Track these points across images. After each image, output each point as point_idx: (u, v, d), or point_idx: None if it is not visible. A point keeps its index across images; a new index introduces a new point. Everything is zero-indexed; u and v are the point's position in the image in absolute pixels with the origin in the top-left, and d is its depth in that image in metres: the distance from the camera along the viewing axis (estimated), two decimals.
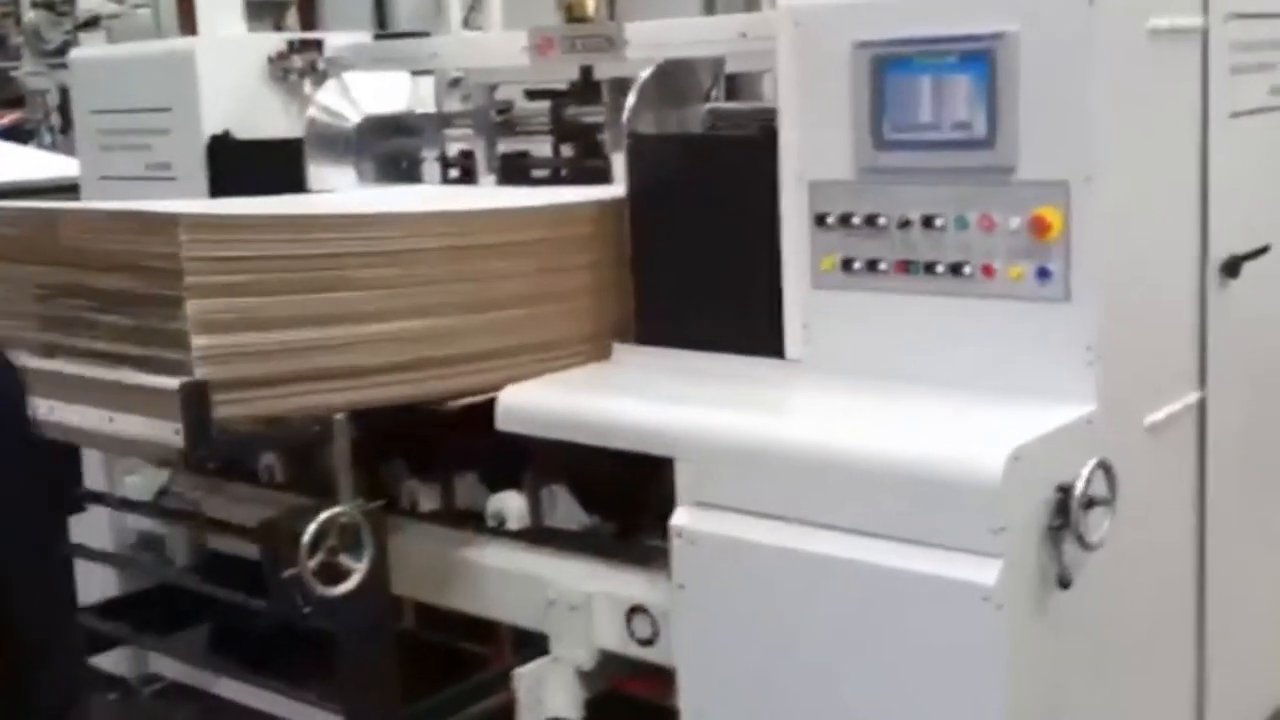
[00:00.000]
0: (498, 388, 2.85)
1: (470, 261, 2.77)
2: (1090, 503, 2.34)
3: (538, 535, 2.95)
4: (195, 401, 2.32)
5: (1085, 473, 2.32)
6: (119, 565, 3.11)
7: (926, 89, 2.57)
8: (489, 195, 3.44)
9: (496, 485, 3.06)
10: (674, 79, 3.20)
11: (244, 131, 3.86)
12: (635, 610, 2.71)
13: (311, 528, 2.39)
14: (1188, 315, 2.77)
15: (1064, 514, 2.31)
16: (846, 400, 2.64)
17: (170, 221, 2.37)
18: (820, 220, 2.73)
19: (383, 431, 3.17)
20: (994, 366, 2.55)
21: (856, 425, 2.47)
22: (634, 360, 3.03)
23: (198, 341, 2.37)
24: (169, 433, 2.34)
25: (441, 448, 3.16)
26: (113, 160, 4.06)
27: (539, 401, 2.82)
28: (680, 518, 2.58)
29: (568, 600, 2.77)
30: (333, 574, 2.45)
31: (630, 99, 3.07)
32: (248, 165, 3.80)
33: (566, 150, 3.72)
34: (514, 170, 3.68)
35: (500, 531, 2.97)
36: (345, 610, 2.49)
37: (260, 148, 3.78)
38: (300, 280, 2.50)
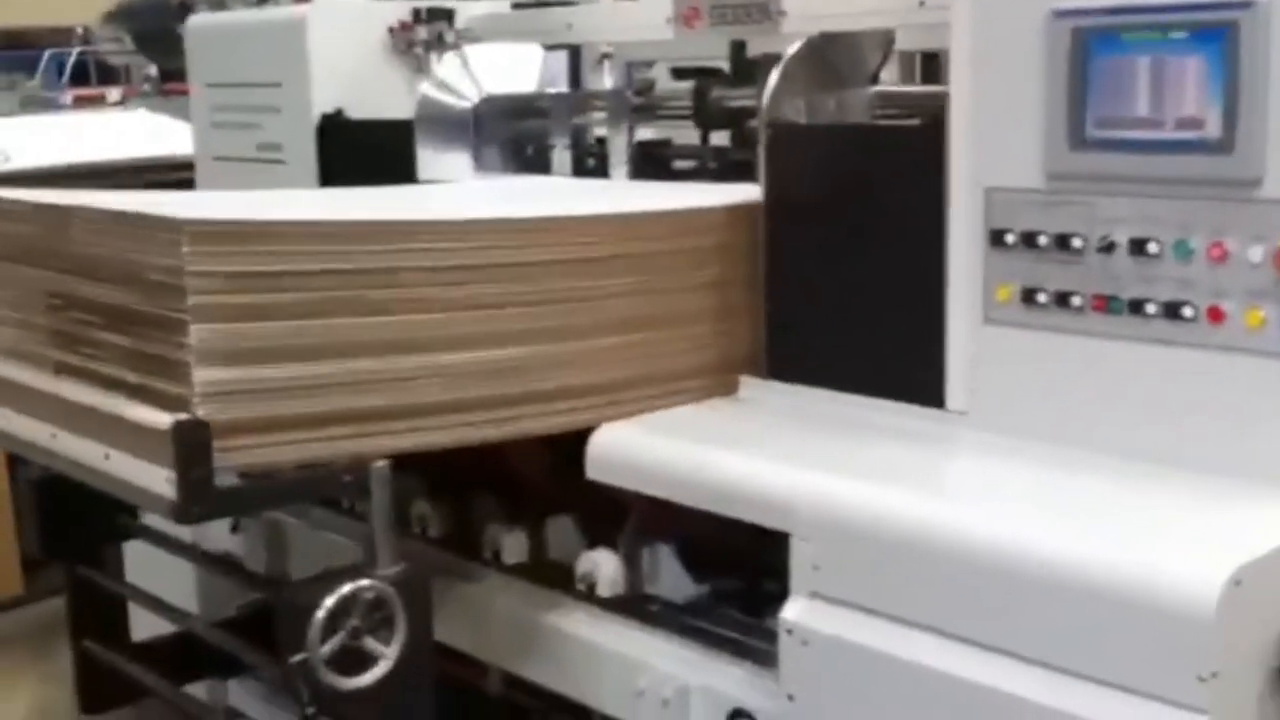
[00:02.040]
0: (595, 428, 2.36)
1: (560, 279, 2.27)
2: None
3: (632, 605, 2.44)
4: (192, 445, 1.87)
5: None
6: (143, 603, 2.73)
7: (1144, 73, 1.95)
8: (607, 192, 2.92)
9: (596, 538, 2.57)
10: (831, 56, 2.65)
11: (362, 111, 3.46)
12: (738, 715, 2.18)
13: (325, 605, 1.93)
14: None
15: None
16: (1016, 475, 2.05)
17: (172, 228, 1.92)
18: (997, 238, 2.14)
19: (467, 465, 2.76)
20: (1219, 444, 1.93)
21: (1026, 515, 1.88)
22: (761, 400, 2.49)
23: (201, 375, 1.93)
24: (160, 481, 1.91)
25: (533, 488, 2.69)
26: (225, 139, 3.72)
27: (634, 448, 2.32)
28: (792, 610, 2.05)
29: (659, 693, 2.26)
30: (358, 660, 1.99)
31: (772, 79, 2.52)
32: (360, 149, 3.40)
33: (718, 140, 3.19)
34: (649, 161, 3.16)
35: (589, 596, 2.48)
36: (368, 706, 2.02)
37: (373, 129, 3.37)
38: (333, 301, 2.03)
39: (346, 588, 1.96)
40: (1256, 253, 1.87)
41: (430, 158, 3.22)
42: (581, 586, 2.50)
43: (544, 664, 2.51)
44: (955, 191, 2.20)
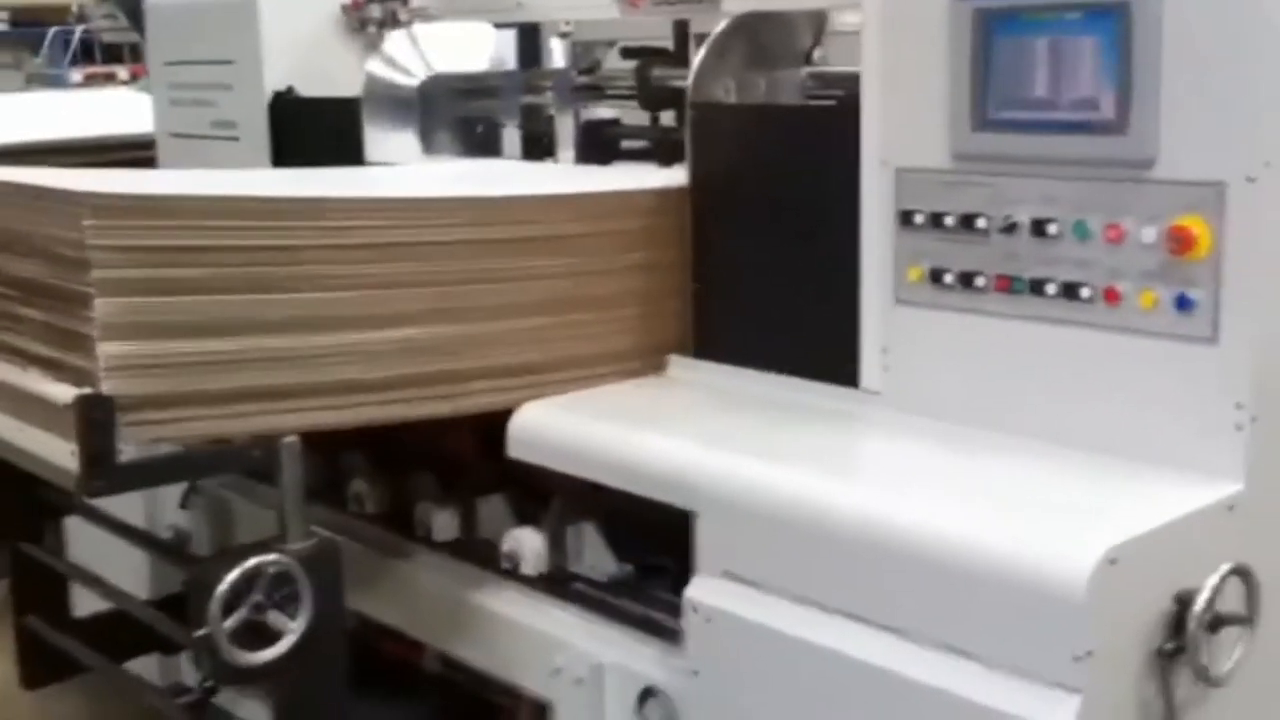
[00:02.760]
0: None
1: (472, 260, 2.27)
2: (1218, 622, 1.72)
3: (554, 583, 2.46)
4: (94, 420, 1.89)
5: (1212, 582, 1.70)
6: (81, 580, 2.75)
7: (1043, 54, 1.95)
8: (544, 175, 2.93)
9: (526, 517, 2.59)
10: (762, 35, 2.64)
11: (314, 89, 3.46)
12: (649, 693, 2.20)
13: (227, 580, 1.95)
14: None
15: (1180, 635, 1.69)
16: (921, 455, 2.06)
17: (74, 201, 1.94)
18: (907, 219, 2.15)
19: (406, 444, 2.78)
20: (1111, 424, 1.94)
21: (916, 496, 1.89)
22: (686, 379, 2.51)
23: (106, 349, 1.94)
24: (66, 454, 1.93)
25: (468, 467, 2.71)
26: (182, 116, 3.73)
27: (551, 426, 2.33)
28: (697, 589, 2.06)
29: (574, 671, 2.28)
30: (267, 635, 2.01)
31: (698, 58, 2.52)
32: (311, 127, 3.41)
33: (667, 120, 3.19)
34: (596, 142, 3.16)
35: (514, 574, 2.50)
36: (280, 678, 2.04)
37: (324, 108, 3.37)
38: (236, 278, 2.04)
39: (250, 563, 1.97)
40: (1150, 233, 1.87)
41: (377, 138, 3.23)
42: (507, 565, 2.52)
43: (469, 641, 2.52)
44: (867, 172, 2.20)
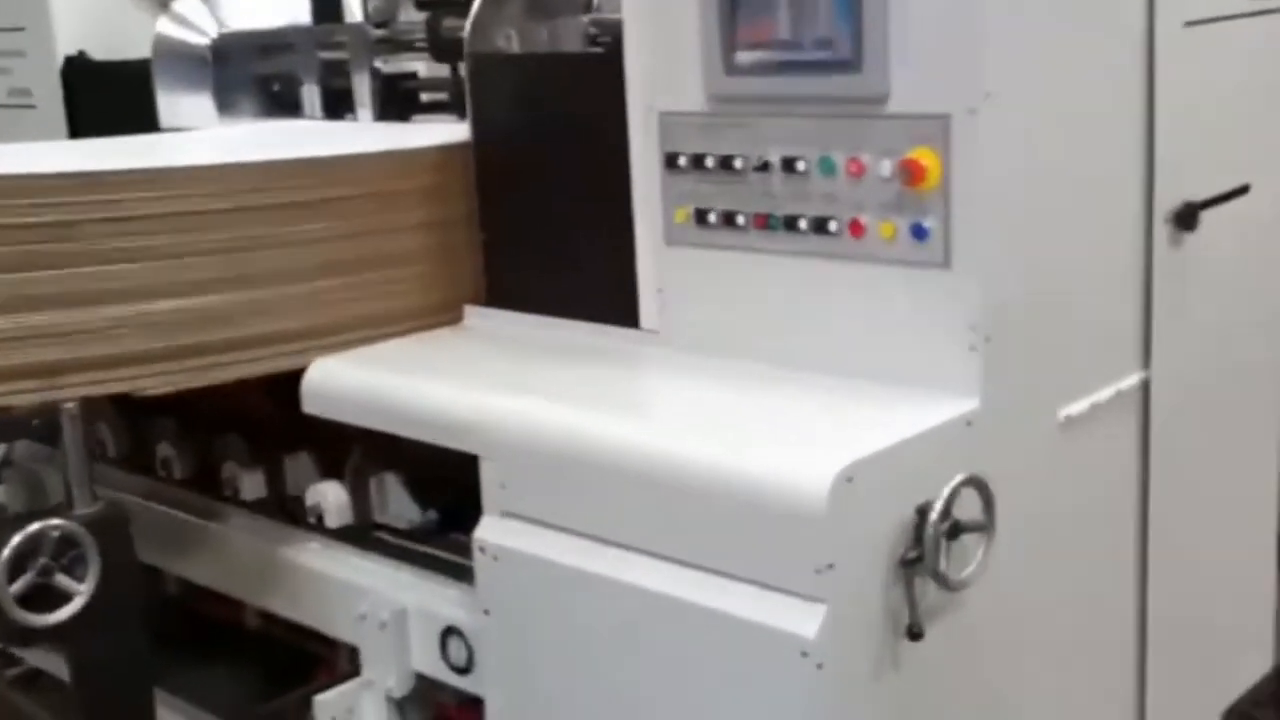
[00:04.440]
0: None
1: (251, 226, 2.29)
2: (956, 529, 1.83)
3: (357, 533, 2.51)
4: None
5: (946, 493, 1.81)
6: None
7: None
8: (337, 135, 2.93)
9: (330, 472, 2.63)
10: None
11: (109, 54, 3.42)
12: (450, 632, 2.27)
13: (11, 544, 1.97)
14: (1126, 280, 2.22)
15: (920, 545, 1.80)
16: (685, 390, 2.15)
17: None
18: (671, 161, 2.22)
19: (212, 408, 2.79)
20: (860, 349, 2.04)
21: (676, 428, 1.97)
22: (478, 328, 2.56)
23: None
24: None
25: (274, 427, 2.73)
26: None
27: (341, 380, 2.37)
28: (483, 529, 2.13)
29: (378, 616, 2.33)
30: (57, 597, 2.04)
31: (474, 9, 2.56)
32: (106, 93, 3.36)
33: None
34: (393, 97, 3.18)
35: (319, 527, 2.54)
36: (73, 639, 2.07)
37: (117, 71, 3.34)
38: (16, 256, 2.05)
39: (33, 528, 2.00)
40: (886, 167, 1.96)
41: (170, 101, 3.21)
42: (312, 519, 2.56)
43: (280, 595, 2.57)
44: (633, 117, 2.26)
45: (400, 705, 2.38)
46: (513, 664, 2.12)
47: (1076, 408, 2.13)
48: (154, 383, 2.20)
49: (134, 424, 2.92)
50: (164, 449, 2.86)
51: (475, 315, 2.60)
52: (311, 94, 3.30)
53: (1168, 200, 2.23)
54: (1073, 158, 2.05)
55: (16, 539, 1.98)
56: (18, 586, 1.99)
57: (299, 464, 2.71)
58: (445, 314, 2.59)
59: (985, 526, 1.88)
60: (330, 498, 2.53)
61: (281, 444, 2.73)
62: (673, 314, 2.29)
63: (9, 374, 2.06)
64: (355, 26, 3.19)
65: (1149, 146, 2.19)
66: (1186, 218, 2.24)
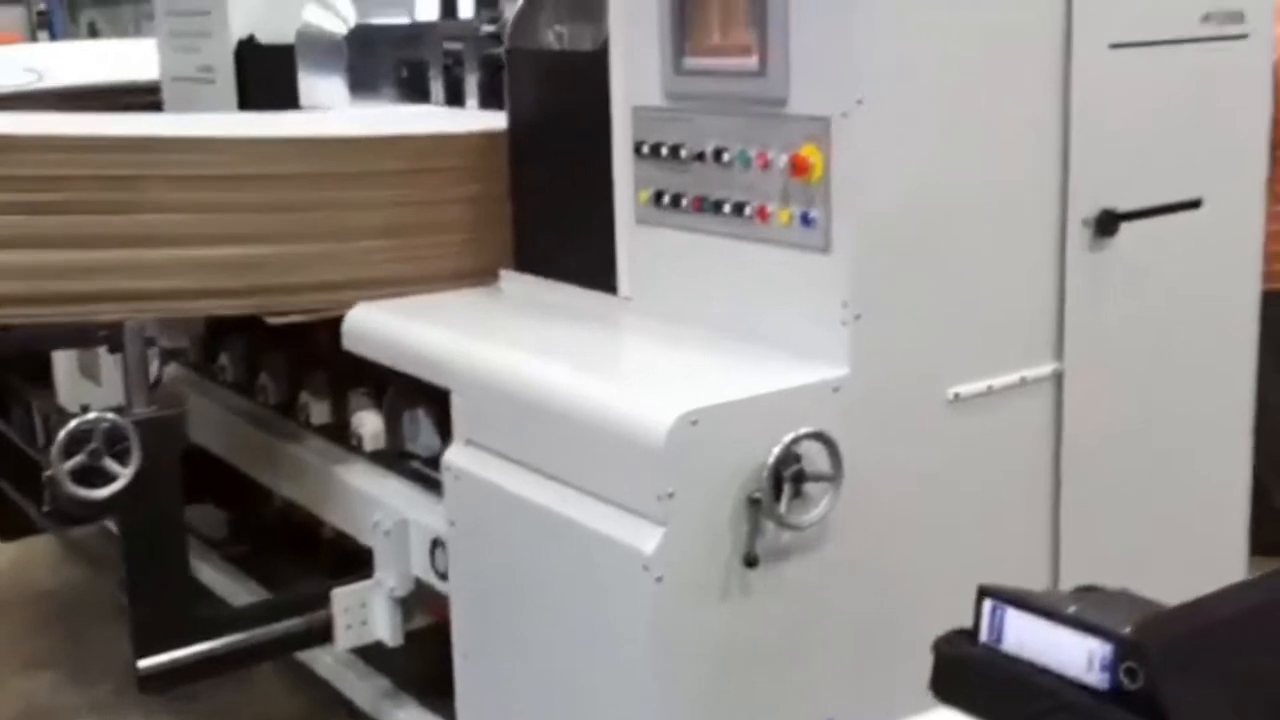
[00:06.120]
0: None
1: (303, 190, 2.75)
2: (801, 477, 2.10)
3: (385, 457, 2.94)
4: None
5: (785, 441, 2.08)
6: None
7: (716, 8, 2.33)
8: (409, 117, 3.36)
9: (379, 405, 3.07)
10: None
11: (275, 37, 3.93)
12: (437, 543, 2.66)
13: (66, 430, 2.47)
14: (1036, 278, 2.41)
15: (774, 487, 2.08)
16: (620, 347, 2.50)
17: None
18: (639, 149, 2.55)
19: (302, 349, 3.27)
20: (761, 319, 2.33)
21: (584, 372, 2.31)
22: (508, 290, 2.93)
23: None
24: None
25: (340, 364, 3.18)
26: (177, 61, 4.25)
27: (373, 323, 2.79)
28: (452, 453, 2.51)
29: (385, 525, 2.75)
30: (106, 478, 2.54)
31: (515, 9, 2.93)
32: (268, 73, 3.89)
33: None
34: (494, 88, 3.57)
35: (358, 449, 2.98)
36: (117, 512, 2.58)
37: (276, 54, 3.85)
38: (82, 203, 2.54)
39: (87, 417, 2.50)
40: (783, 161, 2.24)
41: (309, 83, 3.69)
42: (354, 442, 3.00)
43: (326, 503, 3.03)
44: (615, 108, 2.60)
45: (403, 603, 2.79)
46: (465, 570, 2.50)
47: (968, 388, 2.34)
48: (192, 310, 2.67)
49: (247, 355, 3.44)
50: (263, 378, 3.36)
51: (508, 279, 2.97)
52: (436, 82, 3.75)
53: (1085, 208, 2.41)
54: (963, 162, 2.27)
55: (72, 423, 2.48)
56: (71, 464, 2.49)
57: (359, 398, 3.15)
58: (483, 277, 2.98)
59: (831, 478, 2.13)
60: (368, 426, 2.96)
61: (348, 380, 3.18)
62: (640, 283, 2.61)
63: (84, 298, 2.57)
64: (466, 22, 3.61)
65: (1064, 157, 2.38)
66: (1106, 224, 2.41)
